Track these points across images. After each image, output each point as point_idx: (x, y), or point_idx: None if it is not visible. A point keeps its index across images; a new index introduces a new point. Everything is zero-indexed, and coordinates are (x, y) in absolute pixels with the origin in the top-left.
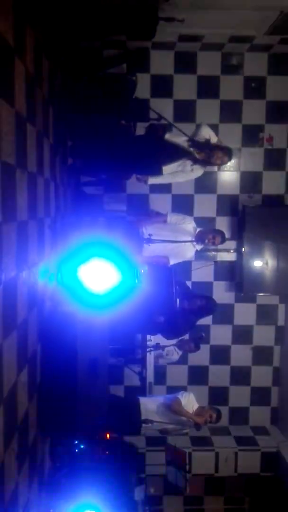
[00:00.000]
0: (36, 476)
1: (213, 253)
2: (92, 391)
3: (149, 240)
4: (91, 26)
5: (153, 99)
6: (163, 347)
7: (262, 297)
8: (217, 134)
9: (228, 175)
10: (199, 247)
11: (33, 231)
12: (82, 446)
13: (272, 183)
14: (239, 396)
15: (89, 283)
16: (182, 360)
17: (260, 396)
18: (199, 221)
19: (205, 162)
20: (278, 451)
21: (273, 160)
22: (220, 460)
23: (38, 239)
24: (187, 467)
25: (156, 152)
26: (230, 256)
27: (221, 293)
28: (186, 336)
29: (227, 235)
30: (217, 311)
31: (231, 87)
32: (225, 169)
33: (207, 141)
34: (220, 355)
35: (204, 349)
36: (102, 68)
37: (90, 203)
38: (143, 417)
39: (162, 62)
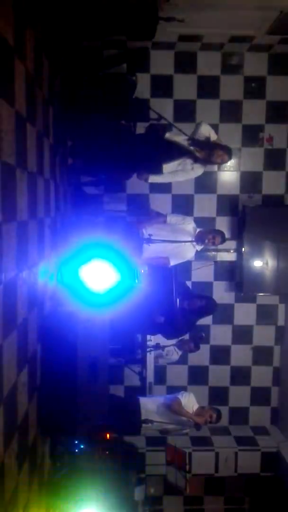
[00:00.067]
0: (36, 476)
1: (213, 253)
2: (92, 391)
3: (149, 240)
4: (91, 26)
5: (153, 99)
6: (163, 347)
7: (262, 297)
8: (217, 134)
9: (228, 175)
10: (199, 247)
11: (33, 231)
12: (82, 446)
13: (272, 183)
14: (239, 396)
15: (90, 283)
16: (182, 360)
17: (260, 396)
18: (199, 221)
19: (206, 161)
20: (278, 451)
21: (273, 160)
22: (220, 460)
23: (38, 239)
24: (187, 467)
25: (156, 151)
26: (230, 256)
27: (221, 293)
28: (186, 336)
29: (227, 235)
30: (217, 311)
31: (231, 87)
32: (225, 169)
33: (207, 140)
34: (220, 355)
35: (204, 349)
36: (102, 68)
37: (90, 203)
38: (143, 417)
39: (162, 62)
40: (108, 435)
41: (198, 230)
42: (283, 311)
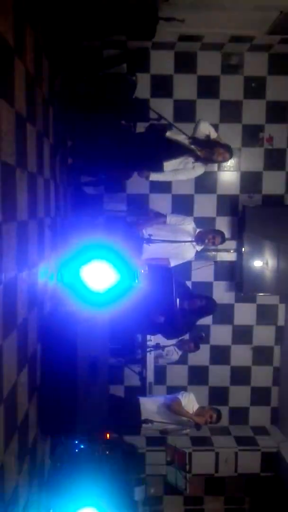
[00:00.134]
0: (36, 476)
1: (213, 253)
2: (92, 391)
3: (149, 240)
4: (91, 26)
5: (153, 99)
6: (163, 347)
7: (262, 297)
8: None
9: (228, 175)
10: (199, 247)
11: (33, 231)
12: (82, 446)
13: (272, 183)
14: (239, 396)
15: (90, 283)
16: (182, 360)
17: (260, 396)
18: (199, 221)
19: (207, 160)
20: (278, 451)
21: (273, 160)
22: (220, 460)
23: (38, 239)
24: (187, 467)
25: (156, 149)
26: (230, 256)
27: (221, 293)
28: (186, 336)
29: (227, 235)
30: (217, 311)
31: (231, 87)
32: (225, 169)
33: (208, 138)
34: (220, 355)
35: (204, 349)
36: (102, 68)
37: (90, 203)
38: (143, 417)
39: (162, 62)
40: (108, 435)
41: (198, 230)
42: (283, 311)
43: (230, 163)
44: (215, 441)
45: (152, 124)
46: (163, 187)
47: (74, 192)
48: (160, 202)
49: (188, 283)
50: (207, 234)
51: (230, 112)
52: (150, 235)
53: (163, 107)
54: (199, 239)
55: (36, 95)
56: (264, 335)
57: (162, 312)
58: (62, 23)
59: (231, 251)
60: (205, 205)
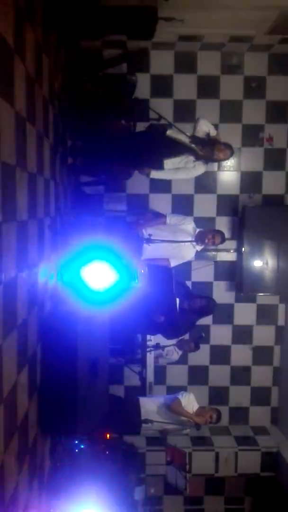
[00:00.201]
0: (36, 476)
1: (213, 253)
2: (92, 391)
3: (149, 240)
4: (91, 26)
5: (153, 99)
6: (163, 347)
7: (262, 297)
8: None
9: (228, 175)
10: (199, 247)
11: (33, 231)
12: (82, 446)
13: (272, 183)
14: (239, 396)
15: (90, 282)
16: (182, 360)
17: (260, 396)
18: (199, 221)
19: (208, 159)
20: (278, 451)
21: (273, 160)
22: (220, 460)
23: (38, 239)
24: (187, 467)
25: (157, 147)
26: (230, 256)
27: (221, 293)
28: (186, 336)
29: (227, 235)
30: (217, 311)
31: (231, 87)
32: (225, 169)
33: (208, 136)
34: (220, 355)
35: (204, 349)
36: (102, 68)
37: (90, 203)
38: (143, 417)
39: (162, 62)
40: (108, 435)
41: (198, 230)
42: (283, 311)
43: (230, 163)
44: (215, 441)
45: (152, 124)
46: (163, 187)
47: (74, 192)
48: (160, 202)
49: (188, 283)
50: (207, 234)
51: (230, 112)
52: (150, 235)
53: (163, 107)
54: (199, 239)
55: (36, 95)
56: (264, 335)
57: (162, 312)
58: (62, 23)
59: (231, 251)
60: (205, 205)
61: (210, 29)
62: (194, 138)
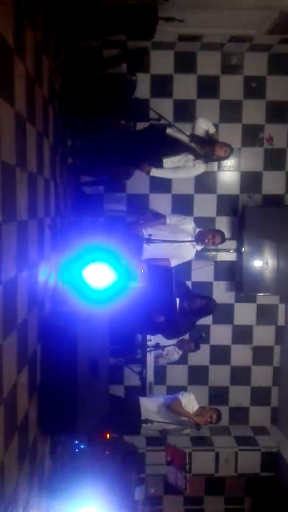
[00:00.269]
0: (36, 476)
1: (213, 253)
2: (92, 391)
3: (149, 240)
4: (91, 26)
5: (153, 99)
6: (163, 347)
7: (262, 297)
8: (217, 134)
9: (228, 175)
10: (199, 247)
11: (33, 231)
12: (82, 446)
13: (272, 183)
14: (239, 396)
15: (91, 281)
16: (182, 360)
17: (260, 396)
18: (199, 221)
19: (208, 157)
20: (278, 451)
21: (273, 160)
22: (220, 460)
23: (38, 239)
24: (187, 467)
25: (156, 145)
26: (230, 256)
27: (221, 293)
28: (186, 336)
29: (227, 235)
30: (217, 311)
31: (231, 87)
32: (225, 169)
33: (207, 134)
34: (220, 355)
35: (204, 349)
36: (102, 68)
37: (90, 203)
38: (143, 417)
39: (162, 62)
40: (108, 435)
41: (198, 230)
42: (283, 311)
43: (230, 163)
44: (215, 441)
45: (152, 124)
46: (163, 187)
47: (74, 192)
48: (160, 202)
49: (188, 283)
50: (207, 233)
51: (230, 112)
52: (150, 235)
53: (163, 107)
54: (199, 238)
55: (36, 95)
56: (264, 335)
57: (162, 312)
58: (62, 23)
59: (231, 251)
60: (205, 205)
61: (210, 29)
62: (193, 137)
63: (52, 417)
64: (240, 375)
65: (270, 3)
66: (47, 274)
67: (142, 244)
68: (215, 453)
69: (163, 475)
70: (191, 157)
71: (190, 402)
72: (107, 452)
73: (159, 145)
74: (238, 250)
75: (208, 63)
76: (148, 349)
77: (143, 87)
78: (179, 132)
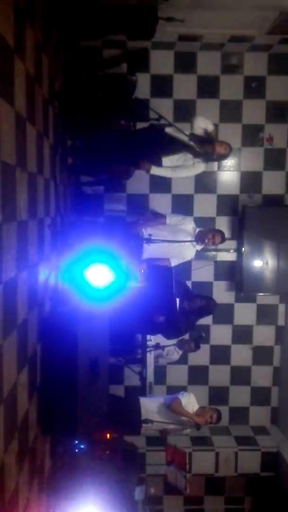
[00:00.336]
0: (36, 476)
1: (213, 253)
2: (92, 391)
3: (149, 240)
4: (91, 26)
5: (153, 99)
6: (163, 347)
7: (262, 297)
8: (217, 134)
9: (228, 175)
10: (199, 247)
11: (33, 231)
12: (82, 446)
13: (272, 183)
14: (239, 396)
15: (91, 280)
16: (182, 360)
17: (260, 396)
18: (199, 221)
19: (208, 156)
20: (278, 451)
21: (273, 160)
22: (220, 460)
23: (38, 239)
24: (187, 467)
25: (155, 144)
26: (230, 256)
27: (221, 293)
28: (186, 336)
29: (227, 235)
30: (217, 311)
31: (231, 87)
32: (225, 169)
33: (206, 133)
34: (220, 355)
35: (204, 349)
36: (102, 68)
37: (90, 203)
38: (143, 417)
39: (162, 62)
40: (108, 435)
41: (197, 229)
42: (283, 311)
43: (230, 163)
44: (215, 441)
45: (152, 124)
46: (163, 187)
47: (74, 192)
48: (160, 202)
49: (188, 283)
50: (207, 233)
51: (230, 112)
52: (150, 235)
53: (163, 107)
54: (199, 238)
55: (36, 95)
56: (264, 335)
57: (162, 312)
58: (62, 23)
59: (231, 251)
60: (205, 205)
61: (210, 29)
62: (192, 136)
63: (52, 417)
64: (240, 375)
65: (270, 3)
66: (47, 274)
67: (142, 244)
68: (215, 453)
69: (163, 475)
70: (190, 156)
71: (190, 402)
72: (107, 452)
73: (158, 144)
74: (238, 250)
75: (208, 63)
76: (148, 349)
77: (143, 87)
78: (179, 132)
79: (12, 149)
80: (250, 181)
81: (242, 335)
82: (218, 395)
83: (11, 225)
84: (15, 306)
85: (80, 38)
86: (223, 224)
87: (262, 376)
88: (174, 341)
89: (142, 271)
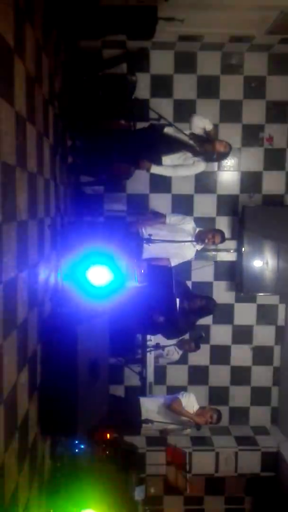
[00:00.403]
0: (36, 476)
1: (213, 253)
2: (92, 391)
3: (149, 240)
4: (91, 26)
5: (153, 99)
6: (163, 347)
7: (262, 297)
8: (217, 134)
9: (228, 175)
10: (199, 247)
11: (33, 231)
12: (82, 446)
13: (272, 183)
14: (239, 396)
15: (92, 280)
16: (182, 360)
17: (260, 396)
18: (199, 221)
19: (207, 155)
20: (278, 451)
21: (273, 160)
22: (220, 460)
23: (38, 239)
24: (187, 467)
25: (155, 143)
26: (230, 256)
27: (221, 293)
28: (186, 336)
29: (227, 235)
30: (217, 311)
31: (231, 87)
32: (225, 169)
33: (205, 132)
34: (220, 355)
35: (204, 349)
36: (102, 68)
37: (90, 203)
38: (143, 417)
39: (162, 62)
40: (108, 435)
41: (197, 229)
42: (283, 311)
43: (230, 163)
44: (215, 441)
45: (152, 124)
46: (163, 187)
47: (74, 192)
48: (160, 202)
49: (188, 283)
50: (207, 233)
51: (230, 112)
52: (150, 235)
53: (163, 107)
54: (199, 238)
55: (36, 95)
56: (264, 335)
57: (162, 312)
58: (62, 23)
59: (231, 251)
60: (205, 205)
61: (210, 29)
62: (192, 136)
63: (52, 417)
64: (240, 375)
65: (270, 3)
66: (47, 274)
67: (142, 244)
68: (215, 453)
69: (163, 475)
70: (190, 155)
71: (190, 402)
72: (107, 452)
73: (158, 144)
74: (238, 250)
75: (208, 63)
76: (148, 349)
77: (143, 87)
78: (179, 132)
79: (12, 149)
80: (250, 181)
81: (242, 335)
82: (218, 395)
83: (11, 225)
84: (15, 306)
85: (80, 38)
86: (223, 224)
87: (262, 376)
88: (174, 341)
89: (142, 271)
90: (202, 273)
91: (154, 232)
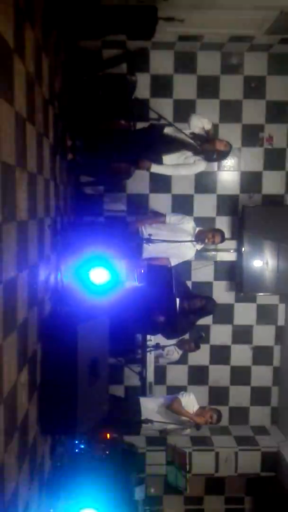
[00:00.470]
0: (36, 476)
1: (213, 253)
2: (92, 391)
3: (149, 240)
4: (91, 26)
5: (153, 99)
6: (163, 347)
7: (262, 297)
8: (217, 134)
9: (228, 175)
10: (199, 246)
11: (33, 231)
12: (82, 446)
13: (272, 183)
14: (239, 396)
15: (92, 280)
16: (182, 360)
17: (260, 396)
18: (199, 221)
19: (207, 154)
20: (278, 451)
21: (273, 160)
22: (220, 460)
23: (38, 239)
24: (187, 467)
25: (155, 143)
26: (230, 256)
27: (221, 293)
28: (186, 336)
29: (227, 235)
30: (217, 311)
31: (231, 87)
32: (225, 169)
33: (205, 131)
34: (220, 355)
35: (204, 349)
36: (102, 68)
37: (90, 203)
38: (143, 417)
39: (162, 62)
40: (108, 435)
41: (197, 229)
42: (283, 311)
43: (230, 163)
44: (215, 441)
45: (152, 124)
46: (163, 187)
47: (74, 192)
48: (160, 202)
49: (188, 283)
50: (207, 233)
51: (230, 112)
52: (150, 235)
53: (163, 107)
54: (199, 238)
55: (36, 95)
56: (264, 335)
57: (162, 312)
58: (62, 23)
59: (231, 251)
60: (205, 205)
61: (210, 29)
62: (192, 135)
63: (52, 417)
64: (240, 375)
65: (270, 3)
66: (47, 274)
67: (142, 243)
68: (215, 453)
69: (163, 475)
70: (190, 154)
71: (190, 402)
72: (107, 452)
73: (158, 144)
74: (238, 250)
75: (208, 63)
76: (148, 349)
77: (143, 87)
78: (179, 132)
79: (12, 149)
80: (250, 181)
81: (242, 335)
82: (218, 395)
83: (11, 225)
84: (15, 306)
85: (80, 38)
86: (223, 224)
87: (262, 376)
88: (174, 341)
89: (142, 271)
90: (202, 273)
91: (154, 232)
